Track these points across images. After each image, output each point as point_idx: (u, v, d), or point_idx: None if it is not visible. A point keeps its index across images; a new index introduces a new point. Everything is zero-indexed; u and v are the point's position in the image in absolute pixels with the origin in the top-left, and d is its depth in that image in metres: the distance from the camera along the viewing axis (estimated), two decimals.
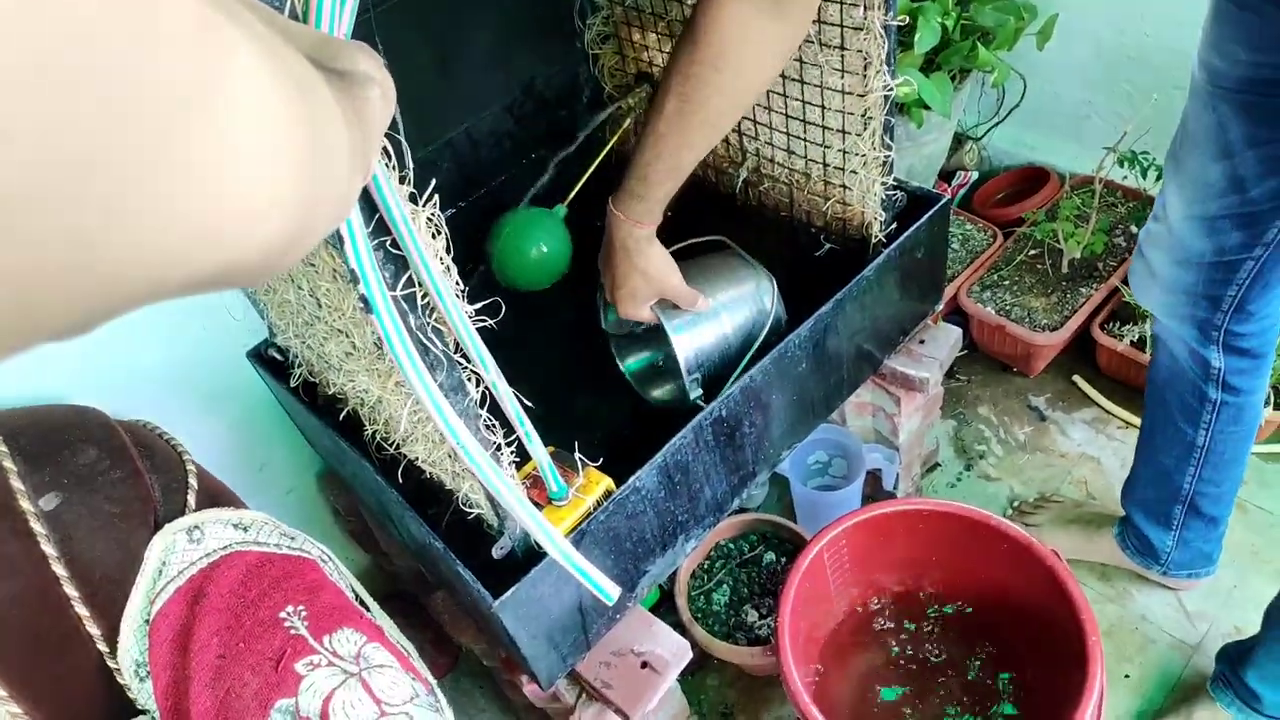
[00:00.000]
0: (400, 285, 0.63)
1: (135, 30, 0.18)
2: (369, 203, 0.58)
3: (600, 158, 1.31)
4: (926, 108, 1.53)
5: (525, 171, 1.30)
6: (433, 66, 1.15)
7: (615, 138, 1.34)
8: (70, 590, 0.78)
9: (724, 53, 0.80)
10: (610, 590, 0.77)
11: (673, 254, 1.03)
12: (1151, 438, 1.22)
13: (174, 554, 0.82)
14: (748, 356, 1.07)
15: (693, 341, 1.05)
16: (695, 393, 1.05)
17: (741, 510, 1.43)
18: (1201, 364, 1.07)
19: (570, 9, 1.26)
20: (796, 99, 1.09)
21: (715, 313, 1.07)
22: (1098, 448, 1.56)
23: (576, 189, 1.30)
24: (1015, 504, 1.51)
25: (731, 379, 1.01)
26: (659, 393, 1.19)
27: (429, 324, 0.66)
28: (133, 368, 1.06)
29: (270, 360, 1.13)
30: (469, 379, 0.73)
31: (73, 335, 0.21)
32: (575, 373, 1.20)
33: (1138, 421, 1.55)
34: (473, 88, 1.21)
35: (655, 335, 1.18)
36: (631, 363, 1.21)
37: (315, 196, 0.27)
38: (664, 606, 1.34)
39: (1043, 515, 1.44)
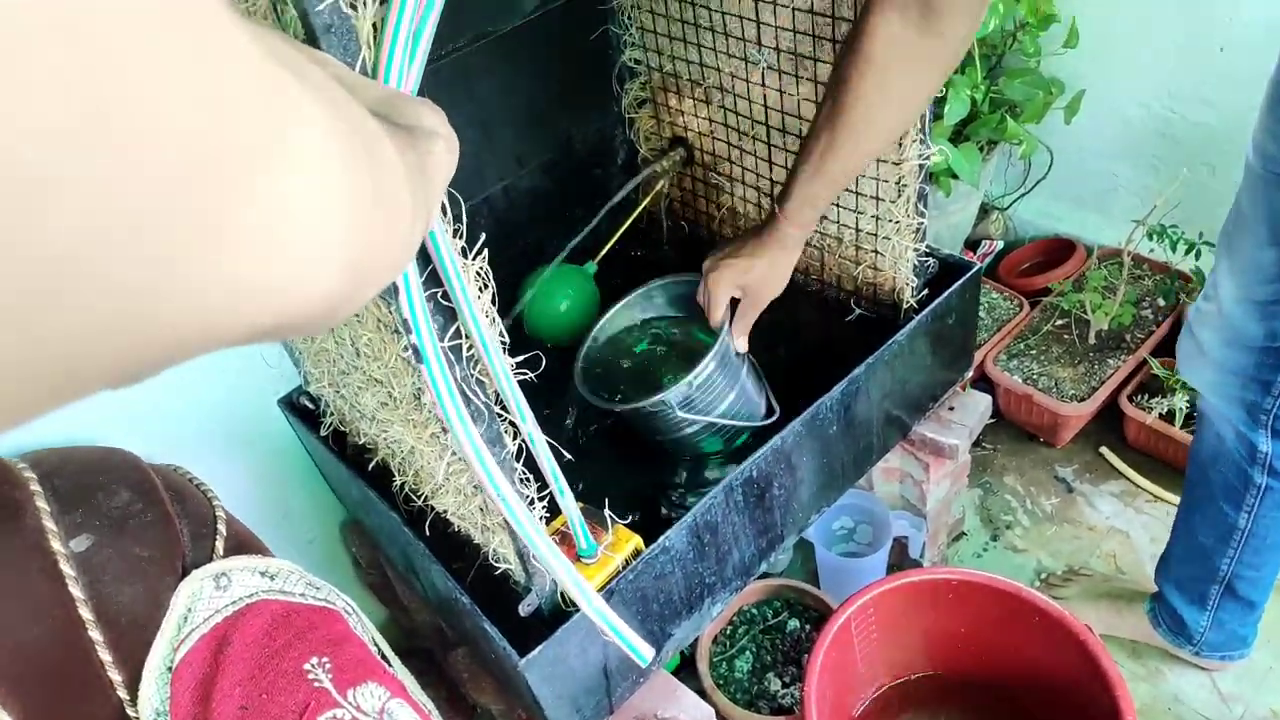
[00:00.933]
0: (448, 336, 0.63)
1: (198, 91, 0.18)
2: (424, 255, 0.59)
3: (632, 218, 1.33)
4: (955, 177, 1.55)
5: (560, 229, 1.32)
6: (475, 125, 1.17)
7: (648, 199, 1.36)
8: (95, 635, 0.77)
9: (871, 61, 0.81)
10: (644, 651, 0.76)
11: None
12: (1190, 515, 1.19)
13: (200, 601, 0.82)
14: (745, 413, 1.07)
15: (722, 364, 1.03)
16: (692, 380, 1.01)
17: (765, 575, 1.41)
18: (1248, 447, 1.06)
19: (609, 74, 1.29)
20: None
21: (742, 362, 1.07)
22: (1126, 521, 1.54)
23: (607, 248, 1.32)
24: (1043, 576, 1.48)
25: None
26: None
27: (473, 375, 0.67)
28: (166, 411, 1.07)
29: (301, 408, 1.14)
30: (506, 431, 0.73)
31: (122, 386, 0.21)
32: (605, 429, 1.19)
33: (1167, 495, 1.53)
34: (512, 147, 1.23)
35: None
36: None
37: (373, 252, 0.27)
38: (684, 672, 1.31)
39: (1072, 589, 1.41)
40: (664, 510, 1.07)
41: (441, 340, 0.62)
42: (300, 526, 1.28)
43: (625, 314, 1.17)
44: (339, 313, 0.28)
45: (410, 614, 1.27)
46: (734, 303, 1.02)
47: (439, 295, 0.61)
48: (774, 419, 1.09)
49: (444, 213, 0.59)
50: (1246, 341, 0.99)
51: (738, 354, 1.05)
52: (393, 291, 0.57)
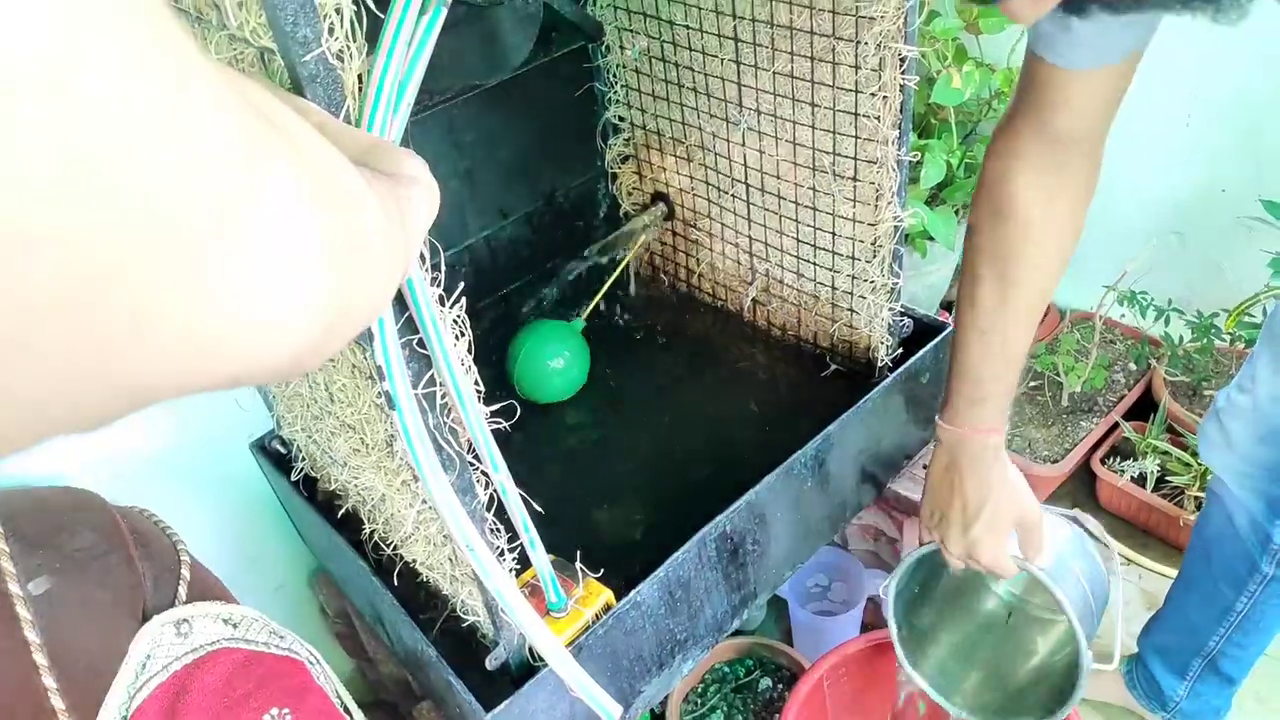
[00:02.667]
0: (422, 384, 0.63)
1: (175, 146, 0.18)
2: (400, 301, 0.59)
3: (617, 273, 1.35)
4: (931, 239, 1.57)
5: (539, 280, 1.33)
6: (459, 176, 1.19)
7: (630, 253, 1.37)
8: (49, 680, 0.75)
9: (1030, 222, 0.77)
10: (612, 709, 0.75)
11: None
12: (1187, 591, 1.19)
13: (160, 647, 0.80)
14: (1100, 617, 0.95)
15: (1070, 597, 0.88)
16: (1088, 664, 0.89)
17: (738, 633, 1.39)
18: (1262, 537, 1.04)
19: (593, 129, 1.31)
20: (809, 225, 1.13)
21: (1064, 562, 0.91)
22: (1119, 612, 1.53)
23: (594, 303, 1.33)
24: None
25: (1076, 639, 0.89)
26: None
27: (446, 424, 0.67)
28: (135, 452, 1.06)
29: (273, 452, 1.13)
30: (478, 480, 0.73)
31: (88, 430, 0.21)
32: (582, 482, 1.18)
33: (1139, 559, 1.54)
34: (495, 197, 1.24)
35: (951, 609, 1.07)
36: (932, 665, 1.06)
37: (345, 301, 0.27)
38: None
39: None
40: None
41: (415, 387, 0.62)
42: (268, 573, 1.26)
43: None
44: (309, 361, 0.28)
45: (376, 666, 1.24)
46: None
47: (414, 342, 0.61)
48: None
49: (423, 260, 0.59)
50: None
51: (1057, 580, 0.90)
52: (368, 337, 0.57)
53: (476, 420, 0.67)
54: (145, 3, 0.18)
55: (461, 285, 0.65)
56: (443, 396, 0.65)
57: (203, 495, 1.16)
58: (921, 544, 0.97)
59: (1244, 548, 1.06)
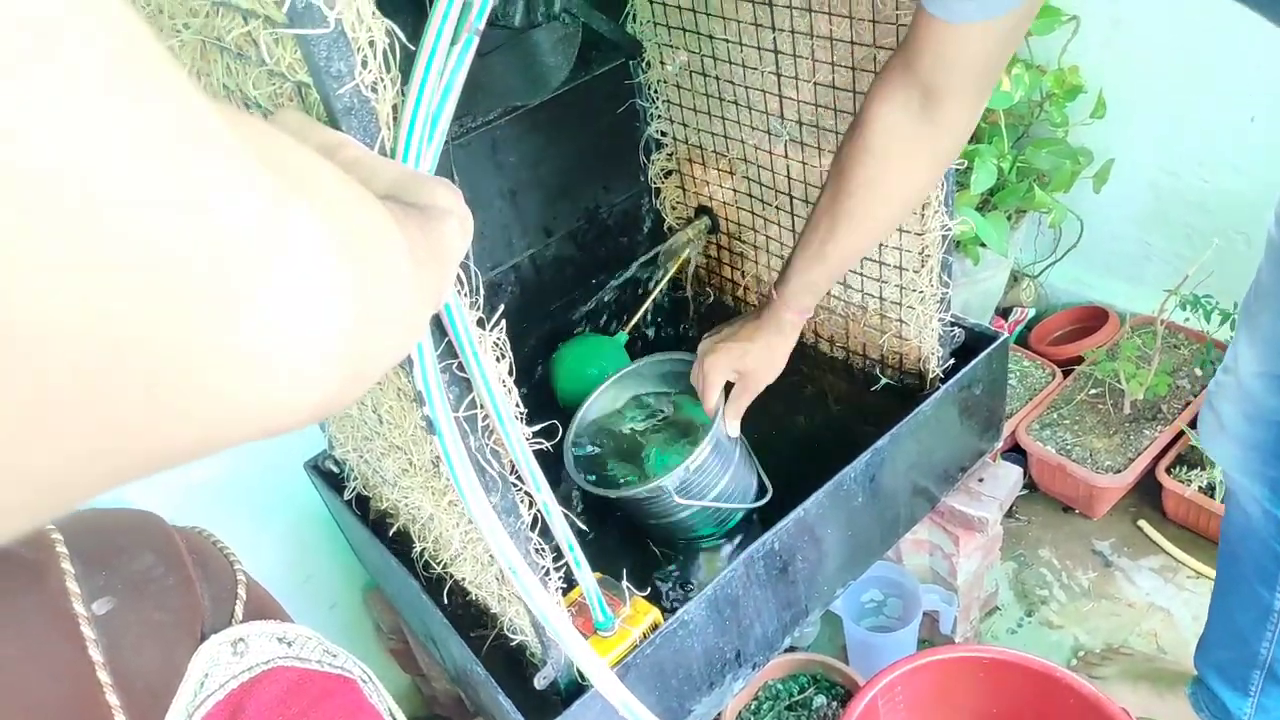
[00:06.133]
0: (463, 407, 0.64)
1: (193, 227, 0.18)
2: (439, 327, 0.60)
3: (660, 286, 1.35)
4: (983, 245, 1.54)
5: (586, 296, 1.33)
6: (503, 196, 1.20)
7: (675, 267, 1.37)
8: (113, 699, 0.77)
9: (870, 151, 0.82)
10: None
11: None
12: (1226, 596, 1.15)
13: (217, 666, 0.82)
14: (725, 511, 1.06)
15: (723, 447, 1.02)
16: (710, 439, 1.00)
17: (791, 649, 1.38)
18: (1275, 524, 1.01)
19: (636, 145, 1.31)
20: None
21: (735, 445, 1.05)
22: (1167, 598, 1.48)
23: (637, 317, 1.33)
24: (1080, 654, 1.43)
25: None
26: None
27: (488, 445, 0.67)
28: (193, 473, 1.08)
29: (326, 472, 1.15)
30: (522, 500, 0.73)
31: (103, 492, 0.20)
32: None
33: (1209, 572, 1.48)
34: (540, 216, 1.25)
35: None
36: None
37: (370, 349, 0.27)
38: None
39: (1111, 668, 1.36)
40: (665, 600, 1.05)
41: (456, 411, 0.62)
42: (323, 591, 1.29)
43: (614, 390, 1.16)
44: (334, 408, 0.28)
45: (430, 681, 1.25)
46: (729, 385, 1.02)
47: (454, 366, 0.62)
48: (766, 500, 1.08)
49: (461, 285, 0.60)
50: (1268, 415, 0.95)
51: (729, 438, 1.04)
52: (408, 363, 0.58)
53: (518, 441, 0.67)
54: (168, 84, 0.18)
55: (502, 308, 0.66)
56: (484, 418, 0.66)
57: (259, 514, 1.18)
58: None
59: (1264, 540, 1.03)
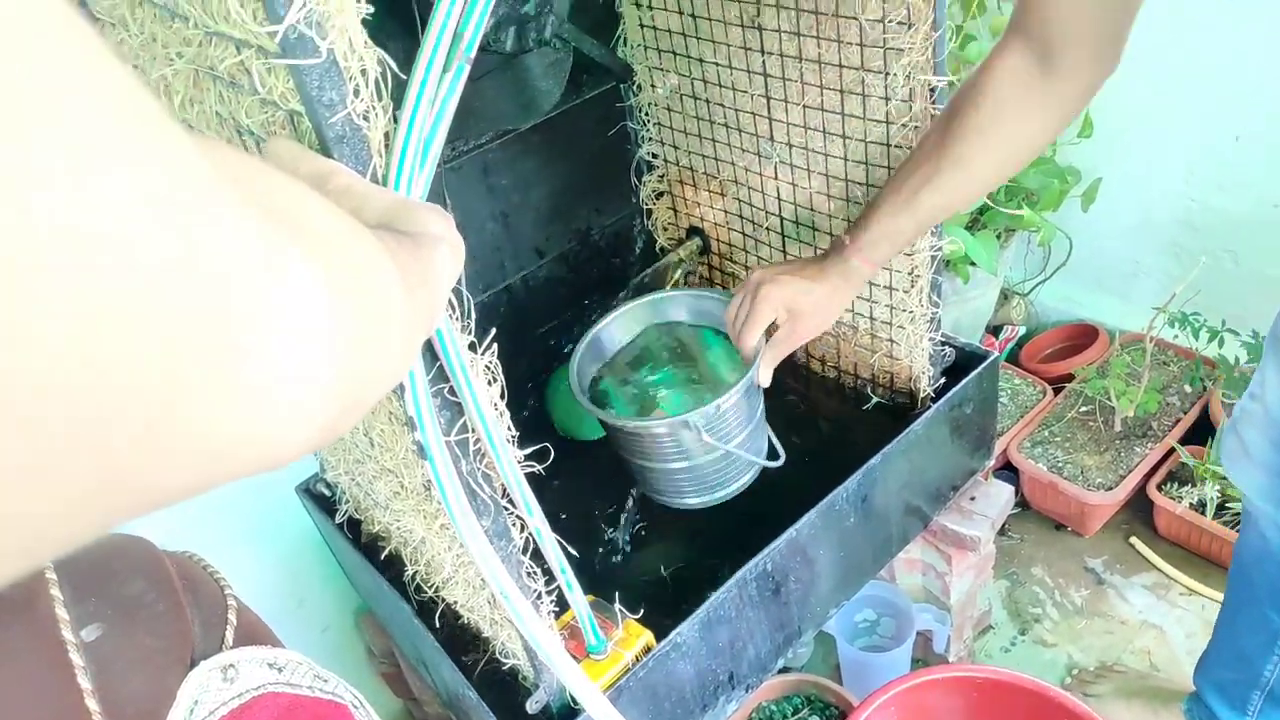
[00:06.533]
0: (455, 431, 0.64)
1: (187, 277, 0.18)
2: (431, 351, 0.60)
3: None
4: (973, 264, 1.55)
5: (579, 318, 1.34)
6: (495, 218, 1.21)
7: (669, 286, 1.37)
8: None
9: (987, 94, 0.79)
10: None
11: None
12: (1234, 618, 1.14)
13: (207, 693, 0.81)
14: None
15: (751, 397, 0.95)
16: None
17: (785, 670, 1.37)
18: None
19: (627, 167, 1.32)
20: None
21: (760, 398, 1.00)
22: (1160, 615, 1.49)
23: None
24: (1074, 672, 1.43)
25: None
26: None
27: (479, 469, 0.67)
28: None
29: (318, 495, 1.14)
30: (514, 524, 0.73)
31: (97, 535, 0.20)
32: (618, 518, 1.18)
33: (1201, 589, 1.48)
34: (531, 238, 1.26)
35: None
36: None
37: (361, 380, 0.27)
38: None
39: (1105, 686, 1.36)
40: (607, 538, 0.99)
41: (448, 435, 0.62)
42: (315, 615, 1.28)
43: (632, 316, 1.10)
44: (326, 440, 0.28)
45: (422, 706, 1.25)
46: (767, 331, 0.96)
47: (446, 390, 0.62)
48: (779, 462, 1.03)
49: (452, 309, 0.60)
50: None
51: (758, 387, 0.97)
52: (400, 388, 0.58)
53: (509, 465, 0.67)
54: (162, 138, 0.18)
55: (494, 331, 0.66)
56: (476, 442, 0.66)
57: (251, 538, 1.18)
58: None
59: None
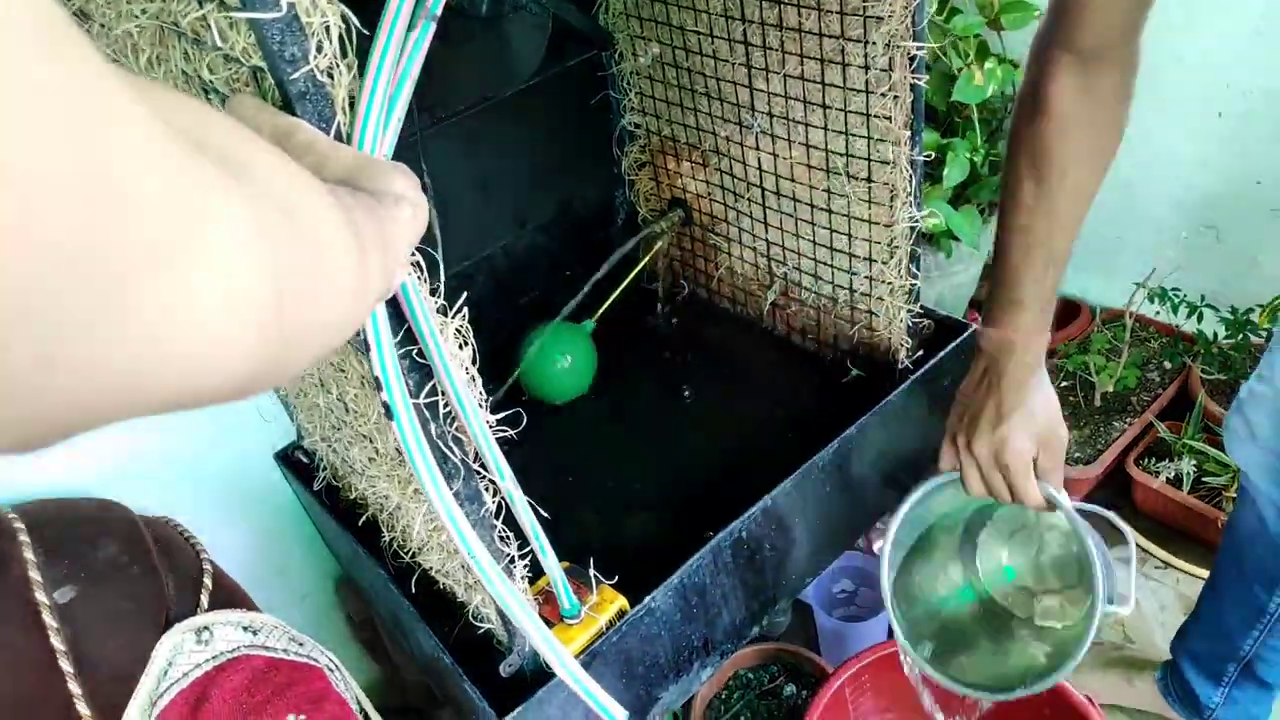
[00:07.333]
0: (424, 393, 0.64)
1: (87, 202, 0.18)
2: (398, 314, 0.60)
3: (632, 276, 1.35)
4: (955, 239, 1.55)
5: (557, 287, 1.33)
6: (476, 187, 1.20)
7: (648, 257, 1.37)
8: (75, 687, 0.77)
9: (1065, 116, 0.77)
10: (616, 713, 0.75)
11: None
12: (1219, 593, 1.16)
13: (181, 655, 0.82)
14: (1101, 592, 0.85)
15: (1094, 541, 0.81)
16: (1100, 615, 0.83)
17: (763, 639, 1.39)
18: None
19: (609, 137, 1.31)
20: (824, 227, 1.12)
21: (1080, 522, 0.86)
22: (1135, 588, 1.50)
23: (605, 306, 1.33)
24: None
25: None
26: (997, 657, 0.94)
27: (449, 432, 0.67)
28: (161, 463, 1.08)
29: (296, 463, 1.15)
30: (486, 488, 0.74)
31: (27, 451, 0.21)
32: (598, 487, 1.19)
33: (1177, 562, 1.50)
34: (512, 207, 1.25)
35: (945, 556, 0.98)
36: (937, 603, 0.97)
37: (294, 330, 0.27)
38: None
39: None
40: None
41: (416, 397, 0.62)
42: (295, 582, 1.28)
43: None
44: (263, 385, 0.28)
45: (400, 672, 1.26)
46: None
47: (414, 353, 0.62)
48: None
49: (421, 271, 0.60)
50: None
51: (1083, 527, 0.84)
52: (366, 348, 0.58)
53: (480, 428, 0.67)
54: (75, 67, 0.18)
55: (465, 294, 0.66)
56: (445, 405, 0.66)
57: (230, 507, 1.18)
58: (940, 471, 0.89)
59: (1275, 546, 1.04)
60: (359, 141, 0.52)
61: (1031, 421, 0.82)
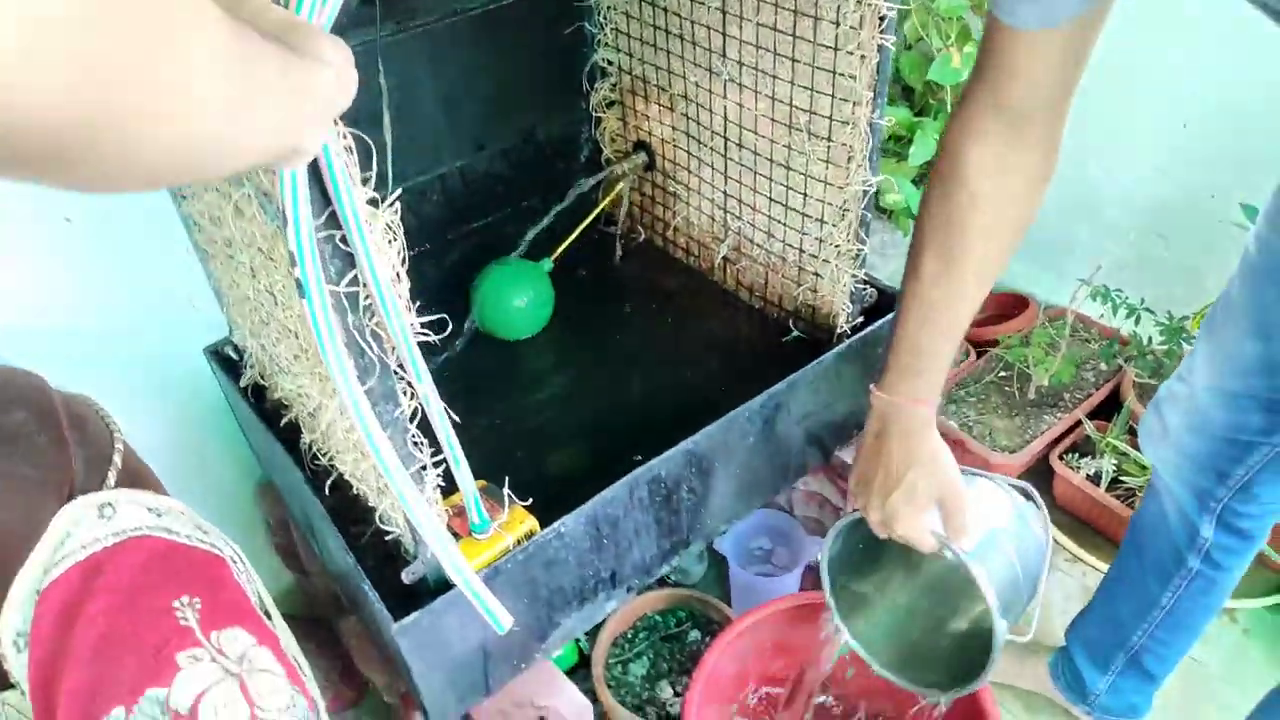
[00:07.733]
0: (345, 282, 0.63)
1: None
2: (323, 195, 0.59)
3: (591, 218, 1.34)
4: (914, 217, 1.56)
5: (513, 217, 1.32)
6: (438, 102, 1.18)
7: (608, 200, 1.37)
8: None
9: (978, 194, 0.76)
10: (503, 619, 0.76)
11: None
12: (1116, 584, 1.19)
13: (80, 527, 0.81)
14: (1038, 595, 0.93)
15: (992, 576, 0.85)
16: (999, 645, 0.87)
17: (676, 585, 1.41)
18: (1190, 531, 1.05)
19: (580, 71, 1.30)
20: (781, 184, 1.13)
21: (994, 538, 0.89)
22: (1044, 581, 1.54)
23: (564, 246, 1.32)
24: None
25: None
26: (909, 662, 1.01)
27: (368, 326, 0.67)
28: (89, 345, 1.06)
29: (226, 358, 1.13)
30: (404, 392, 0.73)
31: None
32: (534, 419, 1.18)
33: (1086, 556, 1.54)
34: (473, 127, 1.24)
35: (895, 571, 1.04)
36: (867, 622, 1.03)
37: (117, 95, 0.28)
38: (579, 673, 1.31)
39: None
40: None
41: (335, 284, 0.62)
42: (216, 481, 1.27)
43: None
44: (81, 134, 0.28)
45: (312, 579, 1.26)
46: None
47: (338, 238, 0.61)
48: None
49: (351, 152, 0.59)
50: (1212, 430, 0.97)
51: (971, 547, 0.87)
52: (284, 222, 0.57)
53: (400, 326, 0.67)
54: None
55: (399, 190, 0.65)
56: (366, 298, 0.66)
57: (155, 396, 1.16)
58: (852, 511, 0.97)
59: (1173, 542, 1.07)
60: (295, 7, 0.51)
61: (915, 492, 0.84)
